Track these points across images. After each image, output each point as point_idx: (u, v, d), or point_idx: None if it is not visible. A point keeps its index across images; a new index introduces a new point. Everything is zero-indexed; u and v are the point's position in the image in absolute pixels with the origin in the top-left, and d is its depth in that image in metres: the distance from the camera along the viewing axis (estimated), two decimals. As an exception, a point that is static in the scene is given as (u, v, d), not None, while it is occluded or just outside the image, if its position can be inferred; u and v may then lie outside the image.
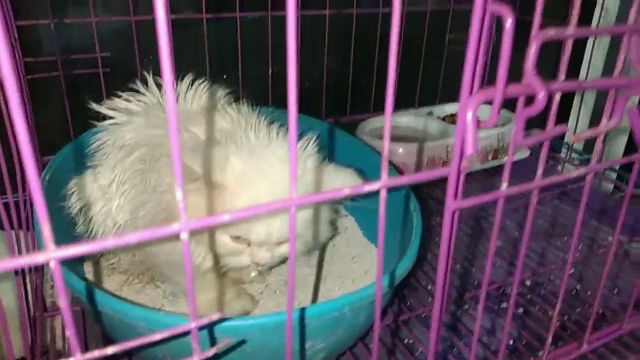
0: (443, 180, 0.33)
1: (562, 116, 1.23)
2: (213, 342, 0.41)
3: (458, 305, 0.72)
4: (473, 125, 0.30)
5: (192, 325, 0.30)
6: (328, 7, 0.98)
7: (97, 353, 0.29)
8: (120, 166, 0.62)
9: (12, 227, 0.52)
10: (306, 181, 0.54)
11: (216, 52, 0.97)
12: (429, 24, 1.11)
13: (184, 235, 0.28)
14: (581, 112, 1.17)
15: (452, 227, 0.35)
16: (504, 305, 0.72)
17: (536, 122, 0.92)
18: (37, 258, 0.24)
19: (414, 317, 0.69)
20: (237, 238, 0.53)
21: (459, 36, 1.15)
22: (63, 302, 0.26)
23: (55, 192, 0.66)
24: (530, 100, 0.32)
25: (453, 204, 0.34)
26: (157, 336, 0.30)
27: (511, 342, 0.67)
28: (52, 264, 0.25)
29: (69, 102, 0.85)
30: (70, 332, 0.27)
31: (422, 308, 0.70)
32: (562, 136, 1.25)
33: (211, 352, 0.37)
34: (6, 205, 0.49)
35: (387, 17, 1.06)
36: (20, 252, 0.59)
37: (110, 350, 0.29)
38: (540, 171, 0.37)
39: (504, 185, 0.36)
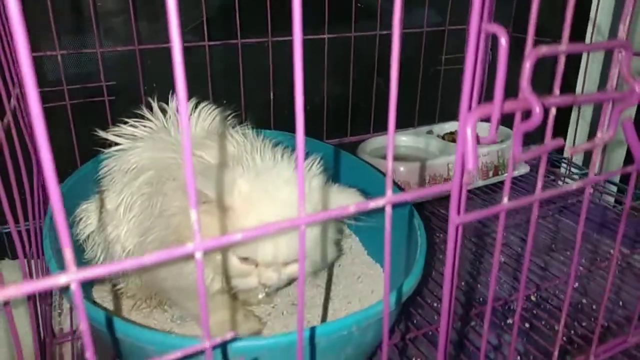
0: (446, 198, 0.34)
1: (560, 130, 1.24)
2: (225, 360, 0.42)
3: (464, 322, 0.72)
4: (473, 141, 0.31)
5: (207, 344, 0.31)
6: (327, 31, 1.01)
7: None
8: (127, 190, 0.63)
9: (24, 256, 0.53)
10: (312, 201, 0.55)
11: (217, 78, 0.99)
12: (426, 44, 1.13)
13: (198, 255, 0.29)
14: (579, 126, 1.18)
15: (456, 241, 0.35)
16: (509, 321, 0.73)
17: (535, 138, 0.94)
18: (58, 280, 0.25)
19: (421, 335, 0.69)
20: (244, 259, 0.54)
21: (455, 56, 1.17)
22: (84, 323, 0.27)
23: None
24: (527, 115, 0.33)
25: (456, 218, 0.35)
26: (172, 356, 0.31)
27: (518, 358, 0.67)
28: (73, 286, 0.26)
29: (75, 131, 0.87)
30: (88, 354, 0.28)
31: (429, 326, 0.70)
32: (562, 151, 1.27)
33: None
34: (17, 234, 0.50)
35: (385, 39, 1.08)
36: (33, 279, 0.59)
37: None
38: (539, 184, 0.38)
39: (505, 200, 0.37)
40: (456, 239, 0.35)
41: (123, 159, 0.66)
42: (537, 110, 0.32)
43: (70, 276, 0.25)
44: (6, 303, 0.38)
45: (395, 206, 0.34)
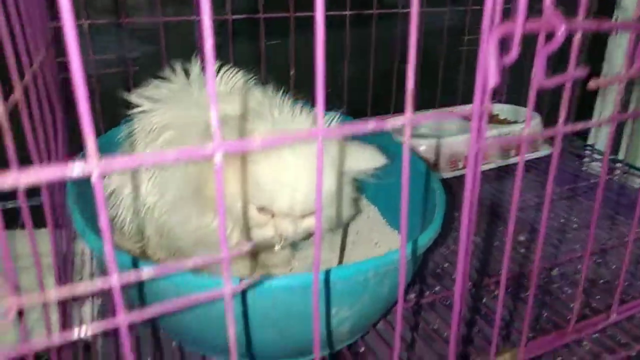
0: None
1: (585, 113, 1.23)
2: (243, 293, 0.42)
3: (485, 291, 0.71)
4: (495, 56, 0.31)
5: (224, 253, 0.31)
6: (348, 7, 1.01)
7: (132, 276, 0.30)
8: (149, 149, 0.64)
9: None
10: (330, 153, 0.55)
11: (239, 53, 0.99)
12: (448, 26, 1.13)
13: (218, 157, 0.29)
14: (604, 109, 1.17)
15: (476, 169, 0.35)
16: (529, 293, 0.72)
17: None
18: (79, 168, 0.26)
19: (438, 301, 0.69)
20: (262, 209, 0.54)
21: (477, 37, 1.16)
22: (103, 219, 0.27)
23: (86, 180, 0.68)
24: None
25: (476, 144, 0.34)
26: (190, 263, 0.31)
27: (538, 326, 0.66)
28: (94, 176, 0.26)
29: (100, 101, 0.89)
30: (107, 247, 0.28)
31: (447, 291, 0.70)
32: (585, 138, 1.25)
33: (241, 286, 0.38)
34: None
35: (407, 18, 1.08)
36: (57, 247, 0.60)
37: (145, 274, 0.30)
38: (562, 119, 0.37)
39: (527, 131, 0.36)
40: (476, 166, 0.35)
41: (146, 120, 0.67)
42: (561, 30, 0.32)
43: (92, 165, 0.26)
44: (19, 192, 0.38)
45: (413, 170, 0.34)
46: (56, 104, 0.68)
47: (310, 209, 0.54)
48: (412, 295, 0.70)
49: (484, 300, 0.69)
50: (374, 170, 0.58)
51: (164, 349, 0.61)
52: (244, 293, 0.44)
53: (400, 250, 0.36)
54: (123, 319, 0.30)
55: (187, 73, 0.69)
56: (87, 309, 0.72)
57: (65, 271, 0.72)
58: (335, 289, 0.47)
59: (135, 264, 0.47)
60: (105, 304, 0.71)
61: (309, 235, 0.58)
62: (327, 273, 0.45)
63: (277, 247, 0.57)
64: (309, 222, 0.55)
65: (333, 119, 0.58)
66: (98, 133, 0.85)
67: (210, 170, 0.53)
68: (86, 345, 0.65)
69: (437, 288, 0.72)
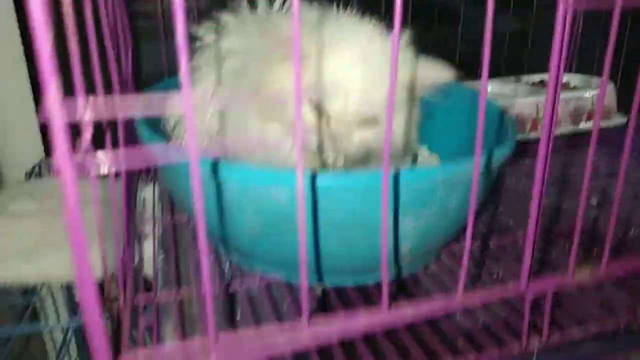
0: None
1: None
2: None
3: (554, 244, 0.68)
4: None
5: (297, 120, 0.30)
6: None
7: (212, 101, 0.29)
8: (214, 76, 0.64)
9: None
10: (403, 65, 0.54)
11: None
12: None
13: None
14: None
15: (564, 31, 0.33)
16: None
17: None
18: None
19: (507, 246, 0.66)
20: (316, 110, 0.53)
21: (545, 3, 1.12)
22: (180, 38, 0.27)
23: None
24: None
25: (565, 2, 0.32)
26: (254, 136, 0.30)
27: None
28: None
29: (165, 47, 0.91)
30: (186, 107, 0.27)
31: (515, 237, 0.67)
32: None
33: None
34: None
35: None
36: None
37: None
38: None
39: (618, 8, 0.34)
40: (564, 29, 0.32)
41: (210, 51, 0.67)
42: None
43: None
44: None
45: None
46: (126, 27, 0.69)
47: (367, 113, 0.52)
48: (476, 244, 0.67)
49: (553, 255, 0.66)
50: (443, 84, 0.55)
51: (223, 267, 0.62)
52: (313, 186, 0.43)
53: (476, 155, 0.34)
54: (194, 147, 0.29)
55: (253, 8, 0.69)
56: (149, 245, 0.73)
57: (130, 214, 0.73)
58: (401, 195, 0.45)
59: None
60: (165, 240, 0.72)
61: (364, 157, 0.56)
62: (396, 174, 0.44)
63: (330, 161, 0.55)
64: (365, 135, 0.53)
65: (404, 34, 0.56)
66: (161, 76, 0.86)
67: (271, 70, 0.53)
68: (146, 284, 0.66)
69: (502, 241, 0.69)
